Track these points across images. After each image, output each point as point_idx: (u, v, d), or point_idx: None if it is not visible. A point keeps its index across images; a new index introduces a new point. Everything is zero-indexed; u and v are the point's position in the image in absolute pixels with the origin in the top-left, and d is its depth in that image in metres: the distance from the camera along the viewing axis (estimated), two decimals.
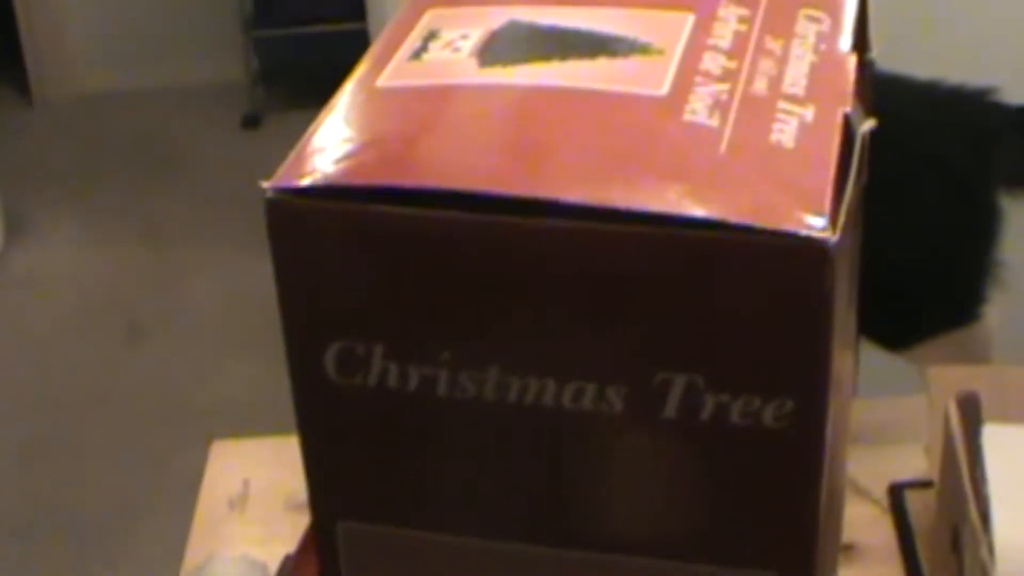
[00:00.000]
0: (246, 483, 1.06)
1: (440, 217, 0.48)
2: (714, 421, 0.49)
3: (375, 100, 0.53)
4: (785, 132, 0.49)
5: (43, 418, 2.60)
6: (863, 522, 0.97)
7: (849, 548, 0.94)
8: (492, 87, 0.53)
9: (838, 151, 0.49)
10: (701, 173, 0.47)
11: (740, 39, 0.54)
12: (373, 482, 0.54)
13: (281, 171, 0.50)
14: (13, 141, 3.55)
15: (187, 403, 2.59)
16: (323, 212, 0.49)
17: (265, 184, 0.49)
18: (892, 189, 1.08)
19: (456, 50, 0.55)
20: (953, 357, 1.13)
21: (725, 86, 0.51)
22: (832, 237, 0.45)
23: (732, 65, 0.53)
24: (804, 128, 0.50)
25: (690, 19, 0.56)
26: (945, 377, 0.93)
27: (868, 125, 0.52)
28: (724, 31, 0.55)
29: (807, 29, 0.55)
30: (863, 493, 0.99)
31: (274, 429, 1.01)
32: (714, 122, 0.50)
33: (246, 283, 2.80)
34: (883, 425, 1.07)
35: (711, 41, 0.54)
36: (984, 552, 0.72)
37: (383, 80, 0.54)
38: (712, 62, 0.53)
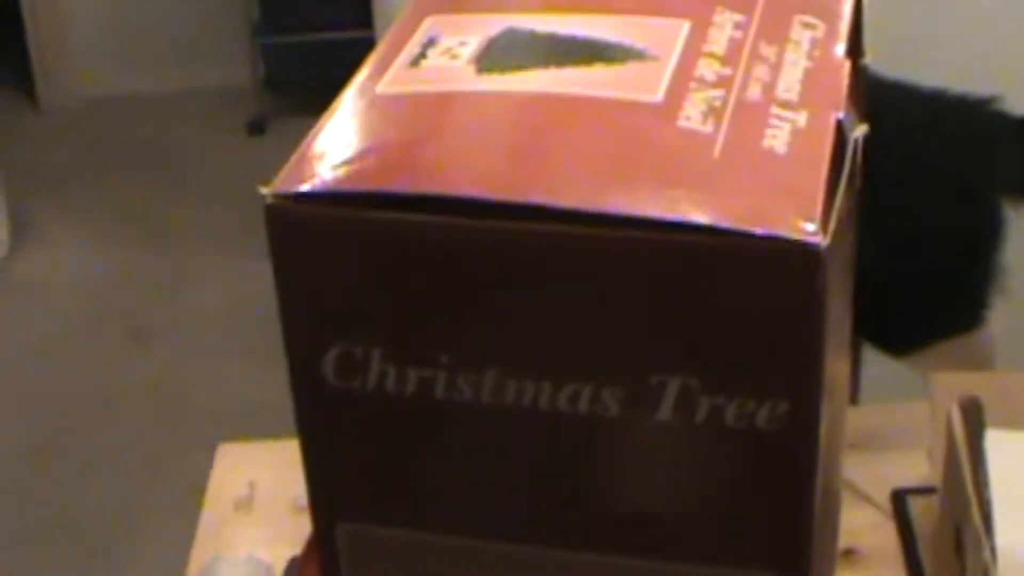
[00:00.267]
0: (252, 485, 1.06)
1: (438, 222, 0.48)
2: (709, 423, 0.49)
3: (375, 106, 0.54)
4: (778, 137, 0.50)
5: (47, 421, 2.61)
6: (866, 527, 0.97)
7: (852, 553, 0.94)
8: (490, 94, 0.53)
9: (831, 156, 0.49)
10: (695, 178, 0.48)
11: (735, 45, 0.55)
12: (372, 484, 0.55)
13: (281, 176, 0.50)
14: (19, 145, 3.56)
15: (191, 406, 2.60)
16: (322, 217, 0.49)
17: (265, 190, 0.50)
18: (896, 195, 1.08)
19: (454, 57, 0.55)
20: (956, 363, 1.13)
21: (719, 92, 0.52)
22: (823, 241, 0.46)
23: (726, 71, 0.53)
24: (797, 133, 0.50)
25: (685, 26, 0.56)
26: (948, 383, 0.94)
27: (860, 130, 0.53)
28: (719, 37, 0.55)
29: (802, 35, 0.56)
30: (866, 498, 0.99)
31: (277, 432, 1.02)
32: (708, 128, 0.50)
33: (251, 288, 2.81)
34: (886, 430, 1.07)
35: (706, 47, 0.55)
36: (987, 555, 0.73)
37: (382, 86, 0.54)
38: (707, 68, 0.53)
